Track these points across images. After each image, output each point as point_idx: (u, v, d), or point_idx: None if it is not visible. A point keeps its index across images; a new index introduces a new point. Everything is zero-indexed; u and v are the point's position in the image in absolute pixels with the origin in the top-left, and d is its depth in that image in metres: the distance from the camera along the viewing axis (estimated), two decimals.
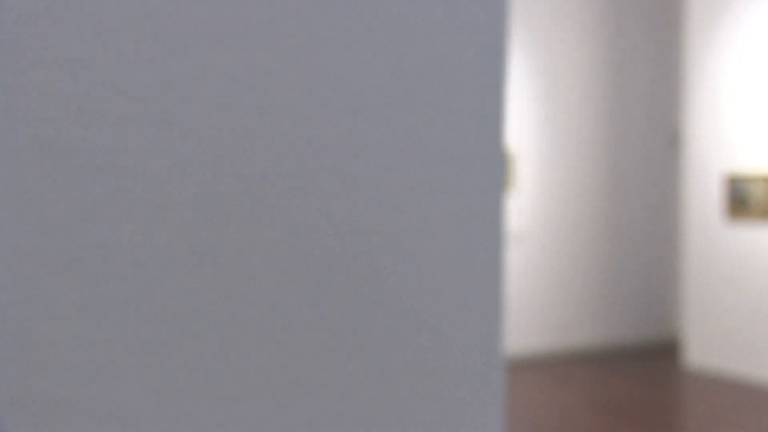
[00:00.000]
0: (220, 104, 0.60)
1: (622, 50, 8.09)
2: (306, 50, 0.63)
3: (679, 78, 8.43)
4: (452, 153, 0.67)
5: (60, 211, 0.55)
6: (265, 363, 0.61)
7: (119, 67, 0.57)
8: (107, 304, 0.56)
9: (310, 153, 0.63)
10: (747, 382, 6.57)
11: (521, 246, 7.55)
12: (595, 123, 7.92)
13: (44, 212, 0.55)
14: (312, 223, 0.63)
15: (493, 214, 0.68)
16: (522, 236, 7.56)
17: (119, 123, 0.57)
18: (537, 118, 7.64)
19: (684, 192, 7.43)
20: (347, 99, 0.64)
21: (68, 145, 0.55)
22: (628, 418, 5.49)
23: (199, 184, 0.59)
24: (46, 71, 0.54)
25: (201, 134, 0.59)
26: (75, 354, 0.55)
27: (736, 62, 6.82)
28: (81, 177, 0.56)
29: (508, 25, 0.68)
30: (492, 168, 0.68)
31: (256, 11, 0.61)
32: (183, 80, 0.59)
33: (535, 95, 7.62)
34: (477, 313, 0.68)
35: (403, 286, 0.66)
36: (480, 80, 0.67)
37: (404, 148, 0.65)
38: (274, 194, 0.61)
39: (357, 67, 0.64)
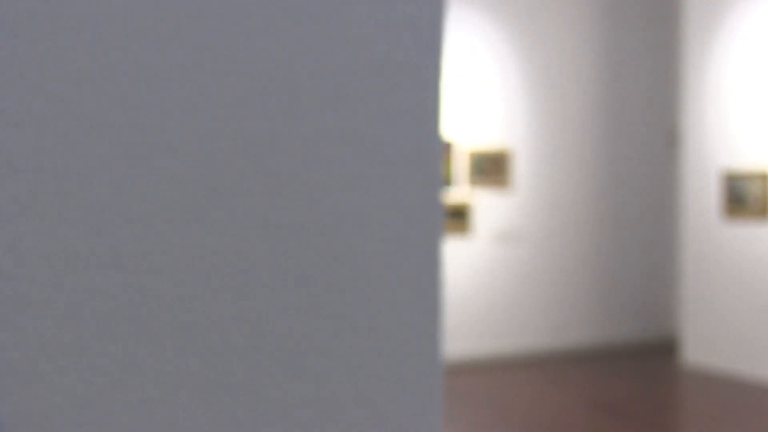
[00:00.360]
0: (141, 103, 0.59)
1: (620, 48, 8.07)
2: (235, 47, 0.61)
3: (677, 76, 8.40)
4: (387, 151, 0.66)
5: None
6: (188, 366, 0.60)
7: (33, 65, 0.56)
8: (18, 306, 0.55)
9: (238, 151, 0.61)
10: (744, 380, 6.55)
11: (518, 245, 7.54)
12: (592, 121, 7.90)
13: None
14: (240, 223, 0.61)
15: (430, 213, 0.67)
16: (519, 235, 7.54)
17: (34, 123, 0.56)
18: (534, 116, 7.63)
19: (682, 190, 7.42)
20: (277, 96, 0.63)
21: None
22: (625, 417, 5.48)
23: (117, 184, 0.58)
24: None
25: (119, 133, 0.58)
26: None
27: (733, 61, 6.80)
28: None
29: (445, 20, 0.67)
30: (428, 166, 0.67)
31: (182, 5, 0.60)
32: (100, 78, 0.57)
33: (532, 93, 7.61)
34: (414, 315, 0.67)
35: (337, 287, 0.64)
36: (415, 77, 0.66)
37: (337, 146, 0.64)
38: (199, 194, 0.60)
39: (288, 64, 0.63)
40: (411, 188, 0.66)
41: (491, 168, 7.40)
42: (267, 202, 0.62)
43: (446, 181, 7.20)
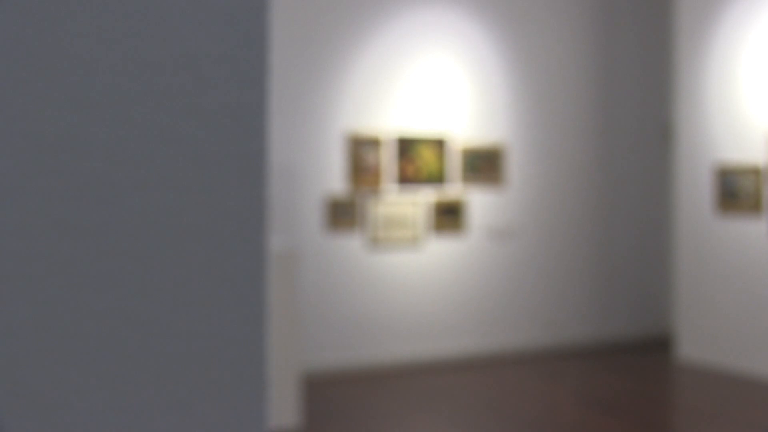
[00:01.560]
0: None
1: (613, 44, 8.01)
2: (32, 39, 0.59)
3: (670, 72, 8.34)
4: (203, 150, 0.63)
5: None
6: None
7: None
8: None
9: (34, 149, 0.59)
10: (739, 375, 6.50)
11: (512, 242, 7.50)
12: (586, 118, 7.86)
13: None
14: (37, 225, 0.59)
15: (253, 214, 0.64)
16: (513, 232, 7.51)
17: None
18: (528, 113, 7.59)
19: (675, 186, 7.36)
20: (79, 91, 0.60)
21: None
22: (620, 413, 5.44)
23: None
24: None
25: None
26: None
27: (727, 56, 6.74)
28: None
29: (269, 11, 0.64)
30: (251, 165, 0.64)
31: None
32: None
33: (525, 90, 7.56)
34: (236, 320, 0.64)
35: (148, 291, 0.62)
36: (236, 72, 0.64)
37: (147, 144, 0.62)
38: None
39: (91, 58, 0.60)
40: (231, 188, 0.64)
41: (484, 165, 7.37)
42: (68, 202, 0.60)
43: (440, 178, 7.16)
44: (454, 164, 7.25)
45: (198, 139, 0.63)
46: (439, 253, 7.19)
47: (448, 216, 7.21)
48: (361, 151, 6.86)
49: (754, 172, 6.44)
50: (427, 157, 7.12)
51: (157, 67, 0.62)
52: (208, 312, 0.64)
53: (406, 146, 7.04)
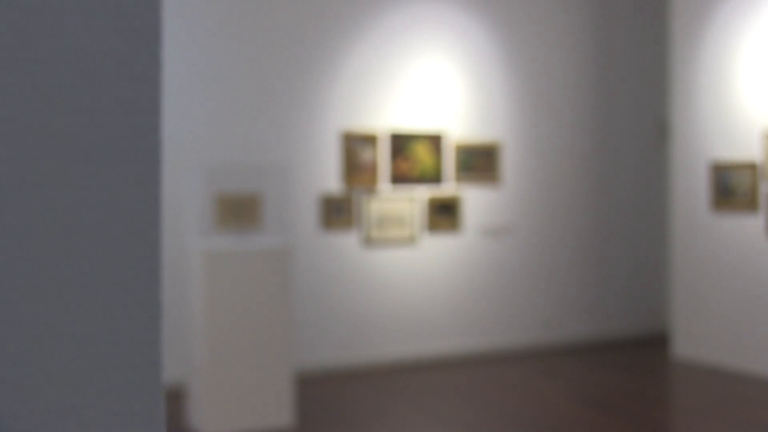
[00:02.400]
0: None
1: (609, 42, 7.98)
2: None
3: (666, 70, 8.31)
4: (93, 148, 0.62)
5: None
6: None
7: None
8: None
9: None
10: (735, 373, 6.48)
11: (508, 239, 7.48)
12: (582, 116, 7.83)
13: None
14: None
15: (145, 213, 0.63)
16: (509, 230, 7.48)
17: None
18: (524, 110, 7.56)
19: (671, 183, 7.33)
20: None
21: None
22: (616, 411, 5.42)
23: None
24: None
25: None
26: None
27: (722, 53, 6.71)
28: None
29: (161, 6, 0.63)
30: (143, 163, 0.63)
31: None
32: None
33: (521, 88, 7.54)
34: (130, 322, 0.63)
35: (37, 292, 0.61)
36: (126, 68, 0.62)
37: (34, 142, 0.60)
38: None
39: None
40: (123, 187, 0.62)
41: (480, 163, 7.35)
42: None
43: (435, 176, 7.14)
44: (450, 162, 7.23)
45: (88, 137, 0.61)
46: (435, 251, 7.17)
47: (444, 213, 7.19)
48: (355, 149, 6.85)
49: (750, 168, 6.41)
50: (422, 155, 7.10)
51: (44, 63, 0.60)
52: (100, 314, 0.62)
53: (401, 144, 7.02)
